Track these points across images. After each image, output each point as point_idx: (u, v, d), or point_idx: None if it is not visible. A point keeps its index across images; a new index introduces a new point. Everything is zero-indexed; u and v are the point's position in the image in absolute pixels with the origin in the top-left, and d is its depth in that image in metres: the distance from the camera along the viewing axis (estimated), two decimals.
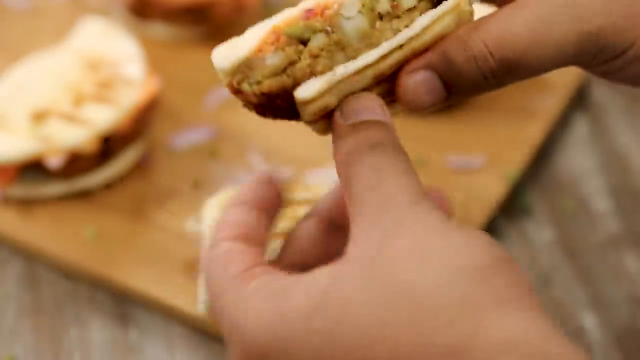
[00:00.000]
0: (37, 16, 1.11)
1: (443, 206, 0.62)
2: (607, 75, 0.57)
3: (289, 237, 0.58)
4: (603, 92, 1.01)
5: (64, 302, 0.81)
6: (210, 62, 1.05)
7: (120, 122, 0.89)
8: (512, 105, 0.96)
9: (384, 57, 0.52)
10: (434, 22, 0.52)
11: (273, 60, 0.52)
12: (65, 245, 0.84)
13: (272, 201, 0.57)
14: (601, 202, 0.89)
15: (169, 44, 1.07)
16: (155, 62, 1.03)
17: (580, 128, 0.97)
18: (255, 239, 0.54)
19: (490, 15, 0.53)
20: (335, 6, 0.52)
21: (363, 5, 0.52)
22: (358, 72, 0.51)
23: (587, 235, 0.86)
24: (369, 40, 0.52)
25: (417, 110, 0.54)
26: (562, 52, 0.52)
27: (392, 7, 0.52)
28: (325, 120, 0.54)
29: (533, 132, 0.93)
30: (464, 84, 0.53)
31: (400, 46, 0.52)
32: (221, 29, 1.08)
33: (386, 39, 0.52)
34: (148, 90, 0.91)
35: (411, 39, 0.52)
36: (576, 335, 0.77)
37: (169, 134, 0.95)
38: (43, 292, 0.82)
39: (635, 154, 0.94)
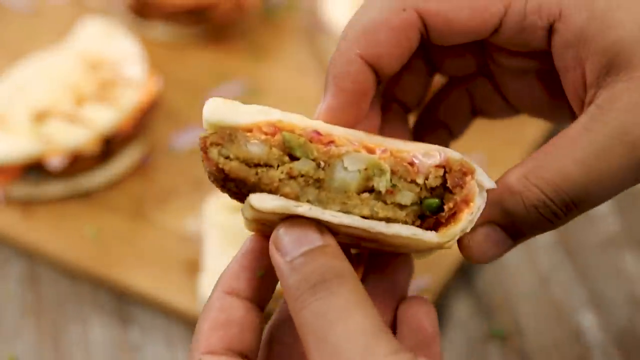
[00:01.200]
0: (37, 16, 1.11)
1: (422, 321, 0.55)
2: None
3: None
4: None
5: (65, 301, 0.81)
6: (210, 62, 1.05)
7: (121, 123, 0.89)
8: None
9: (346, 226, 0.48)
10: (408, 238, 0.49)
11: (254, 149, 0.48)
12: (66, 245, 0.84)
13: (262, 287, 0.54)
14: None
15: (170, 44, 1.07)
16: (155, 62, 1.03)
17: None
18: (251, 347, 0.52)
19: (539, 156, 0.51)
20: (343, 150, 0.49)
21: (366, 169, 0.49)
22: (316, 219, 0.48)
23: (587, 235, 0.86)
24: (345, 200, 0.49)
25: (483, 262, 0.53)
26: (623, 181, 0.51)
27: (387, 191, 0.49)
28: (260, 226, 0.51)
29: (533, 132, 0.93)
30: (529, 230, 0.51)
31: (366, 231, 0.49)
32: (221, 29, 1.08)
33: (359, 212, 0.49)
34: (148, 91, 0.91)
35: (380, 233, 0.49)
36: (576, 335, 0.77)
37: (169, 134, 0.96)
38: (44, 291, 0.82)
39: None
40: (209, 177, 0.50)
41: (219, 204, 0.81)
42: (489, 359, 0.76)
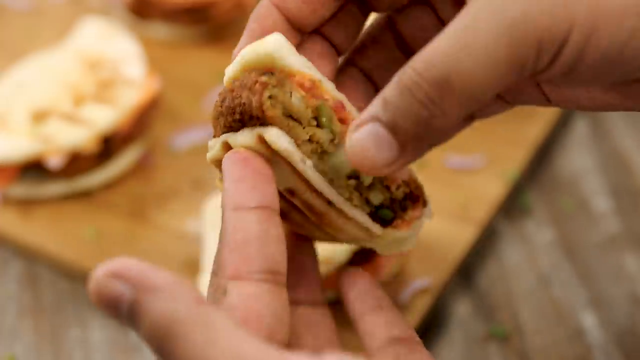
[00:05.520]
0: (37, 16, 1.12)
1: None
2: (564, 93, 0.52)
3: None
4: None
5: (64, 302, 0.81)
6: (210, 62, 1.05)
7: (121, 122, 0.89)
8: None
9: (320, 196, 0.50)
10: (359, 225, 0.52)
11: (296, 102, 0.49)
12: (66, 245, 0.84)
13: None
14: (601, 202, 0.89)
15: (169, 44, 1.07)
16: (155, 62, 1.03)
17: (580, 128, 0.97)
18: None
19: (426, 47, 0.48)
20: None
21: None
22: (304, 179, 0.50)
23: (587, 235, 0.86)
24: (334, 177, 0.52)
25: (373, 171, 0.48)
26: (494, 59, 0.45)
27: (369, 185, 0.52)
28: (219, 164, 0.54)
29: (533, 132, 0.93)
30: (408, 125, 0.47)
31: (329, 203, 0.51)
32: (221, 28, 1.08)
33: (339, 193, 0.51)
34: (148, 90, 0.91)
35: (341, 212, 0.51)
36: (576, 334, 0.77)
37: (169, 134, 0.95)
38: (43, 291, 0.82)
39: (635, 154, 0.94)
40: (221, 104, 0.52)
41: (219, 204, 0.81)
42: (489, 359, 0.76)
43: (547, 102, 0.54)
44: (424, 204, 0.55)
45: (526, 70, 0.46)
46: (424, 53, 0.46)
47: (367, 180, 0.53)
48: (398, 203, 0.54)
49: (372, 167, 0.48)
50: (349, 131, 0.49)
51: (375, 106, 0.48)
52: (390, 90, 0.47)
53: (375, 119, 0.48)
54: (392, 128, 0.47)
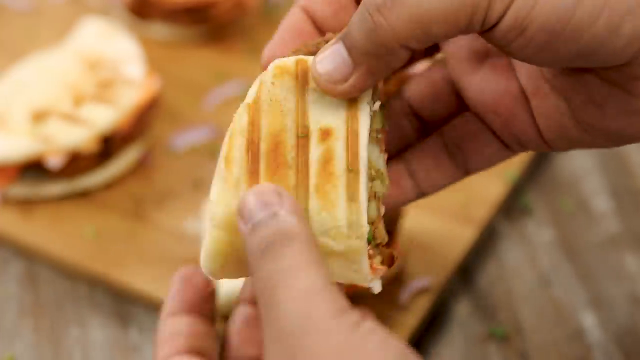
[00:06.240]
0: (37, 16, 1.12)
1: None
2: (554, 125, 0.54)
3: (228, 330, 0.59)
4: None
5: (64, 302, 0.81)
6: (210, 62, 1.05)
7: (120, 122, 0.89)
8: None
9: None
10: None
11: None
12: (66, 245, 0.84)
13: (204, 300, 0.58)
14: (601, 202, 0.89)
15: (169, 44, 1.07)
16: (155, 62, 1.03)
17: None
18: (205, 349, 0.55)
19: None
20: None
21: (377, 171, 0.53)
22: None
23: (587, 235, 0.86)
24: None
25: (331, 87, 0.51)
26: None
27: (372, 194, 0.52)
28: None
29: None
30: (359, 38, 0.49)
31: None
32: (221, 28, 1.08)
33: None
34: (148, 90, 0.91)
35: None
36: (576, 334, 0.77)
37: (169, 134, 0.95)
38: (43, 291, 0.82)
39: (635, 153, 0.94)
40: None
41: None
42: (489, 359, 0.76)
43: (541, 139, 0.56)
44: (387, 265, 0.53)
45: (478, 15, 0.48)
46: None
47: (379, 189, 0.53)
48: (375, 248, 0.53)
49: (329, 82, 0.51)
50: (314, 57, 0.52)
51: (343, 30, 0.51)
52: (354, 15, 0.50)
53: (339, 38, 0.51)
54: (348, 44, 0.50)
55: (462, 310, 0.80)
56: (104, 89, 0.90)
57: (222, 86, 1.01)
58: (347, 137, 0.51)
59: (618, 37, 0.47)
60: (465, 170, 0.59)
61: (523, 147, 0.57)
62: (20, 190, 0.88)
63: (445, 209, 0.85)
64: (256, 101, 0.52)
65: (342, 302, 0.45)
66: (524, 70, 0.56)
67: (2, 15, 1.11)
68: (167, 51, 1.06)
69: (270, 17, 1.10)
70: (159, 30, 1.07)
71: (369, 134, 0.52)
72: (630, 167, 0.92)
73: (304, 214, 0.49)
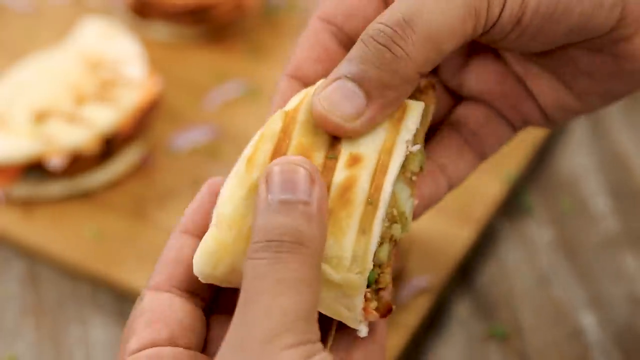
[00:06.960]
0: (37, 16, 1.12)
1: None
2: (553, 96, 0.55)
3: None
4: None
5: (65, 302, 0.81)
6: (210, 62, 1.05)
7: (121, 123, 0.89)
8: None
9: None
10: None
11: None
12: (67, 245, 0.84)
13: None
14: (601, 202, 0.89)
15: (170, 44, 1.07)
16: (156, 62, 1.04)
17: (579, 128, 0.97)
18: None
19: None
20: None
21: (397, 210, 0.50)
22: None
23: (587, 235, 0.86)
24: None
25: (342, 125, 0.48)
26: (453, 2, 0.48)
27: (390, 237, 0.50)
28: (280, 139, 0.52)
29: (533, 132, 0.93)
30: (372, 71, 0.48)
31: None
32: (221, 29, 1.08)
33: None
34: (149, 91, 0.92)
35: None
36: (576, 334, 0.77)
37: (169, 134, 0.96)
38: (44, 291, 0.82)
39: (634, 153, 0.94)
40: None
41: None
42: (489, 359, 0.76)
43: (544, 115, 0.57)
44: (381, 315, 0.50)
45: (481, 17, 0.48)
46: (385, 11, 0.49)
47: (397, 233, 0.50)
48: (374, 293, 0.50)
49: (341, 118, 0.48)
50: (313, 94, 0.49)
51: (339, 67, 0.49)
52: (353, 49, 0.49)
53: (339, 76, 0.49)
54: (358, 78, 0.48)
55: (462, 310, 0.80)
56: (105, 90, 0.90)
57: (222, 86, 1.01)
58: (375, 168, 0.48)
59: (602, 8, 0.50)
60: (482, 155, 0.59)
61: (527, 124, 0.58)
62: (22, 190, 0.88)
63: (445, 208, 0.85)
64: (295, 111, 0.50)
65: (313, 336, 0.44)
66: (509, 56, 0.57)
67: (2, 16, 1.11)
68: (168, 52, 1.06)
69: (271, 18, 1.10)
70: (160, 30, 1.07)
71: (403, 173, 0.50)
72: (630, 167, 0.93)
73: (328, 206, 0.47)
